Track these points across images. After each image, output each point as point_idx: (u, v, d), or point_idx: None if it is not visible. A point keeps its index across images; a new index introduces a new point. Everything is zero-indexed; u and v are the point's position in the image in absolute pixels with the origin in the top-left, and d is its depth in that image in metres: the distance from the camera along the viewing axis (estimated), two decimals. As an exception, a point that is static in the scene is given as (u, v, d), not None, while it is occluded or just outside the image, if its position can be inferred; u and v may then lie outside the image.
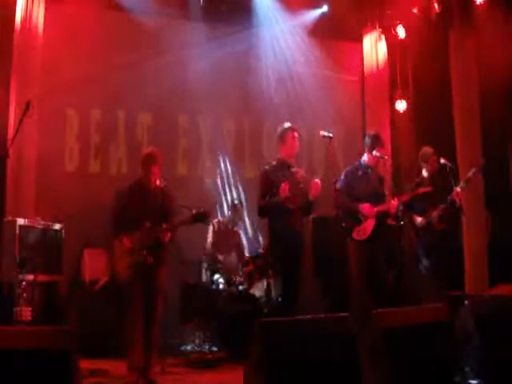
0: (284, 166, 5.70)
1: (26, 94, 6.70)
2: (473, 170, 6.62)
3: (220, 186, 8.27)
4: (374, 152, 6.14)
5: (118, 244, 5.24)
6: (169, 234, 5.23)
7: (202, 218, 5.21)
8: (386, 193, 6.39)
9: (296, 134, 5.73)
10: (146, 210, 5.26)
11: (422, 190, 6.33)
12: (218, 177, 8.31)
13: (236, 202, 7.46)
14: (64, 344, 2.77)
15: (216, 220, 7.41)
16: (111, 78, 7.58)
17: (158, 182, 5.41)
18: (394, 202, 5.93)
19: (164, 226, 5.21)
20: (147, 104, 8.00)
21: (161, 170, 5.43)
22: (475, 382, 3.97)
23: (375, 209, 5.92)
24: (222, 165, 8.35)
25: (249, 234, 7.97)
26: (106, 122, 7.86)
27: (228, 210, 7.56)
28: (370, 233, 5.93)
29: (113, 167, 7.86)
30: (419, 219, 6.49)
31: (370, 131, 7.54)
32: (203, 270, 7.12)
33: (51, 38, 7.36)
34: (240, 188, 8.22)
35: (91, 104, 7.79)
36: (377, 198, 6.07)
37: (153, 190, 5.38)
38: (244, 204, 7.66)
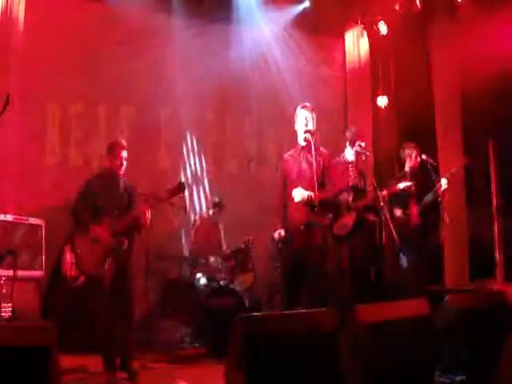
0: (299, 151, 5.43)
1: (6, 87, 6.62)
2: (457, 167, 6.70)
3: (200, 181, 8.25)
4: (356, 147, 6.17)
5: (82, 235, 5.16)
6: (148, 214, 5.14)
7: (178, 189, 5.12)
8: (367, 188, 6.42)
9: (303, 113, 5.41)
10: (113, 197, 5.26)
11: (402, 184, 6.36)
12: (200, 172, 8.29)
13: (217, 199, 7.39)
14: (44, 340, 2.75)
15: (201, 214, 7.39)
16: (92, 71, 7.52)
17: (122, 170, 5.39)
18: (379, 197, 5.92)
19: (140, 207, 5.15)
20: (129, 98, 7.95)
21: (125, 158, 5.43)
22: (456, 376, 4.00)
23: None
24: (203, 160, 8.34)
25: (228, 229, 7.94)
26: (87, 115, 7.80)
27: (209, 207, 7.50)
28: (351, 228, 5.94)
29: (94, 161, 7.79)
30: (399, 214, 6.53)
31: (351, 126, 7.58)
32: (184, 266, 7.10)
33: (32, 31, 7.28)
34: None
35: (72, 97, 7.72)
36: (357, 193, 6.10)
37: (117, 177, 5.38)
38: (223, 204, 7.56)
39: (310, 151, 5.23)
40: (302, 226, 5.17)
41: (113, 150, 5.42)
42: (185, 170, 8.24)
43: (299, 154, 5.38)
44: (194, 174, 8.25)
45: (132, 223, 5.18)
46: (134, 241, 5.37)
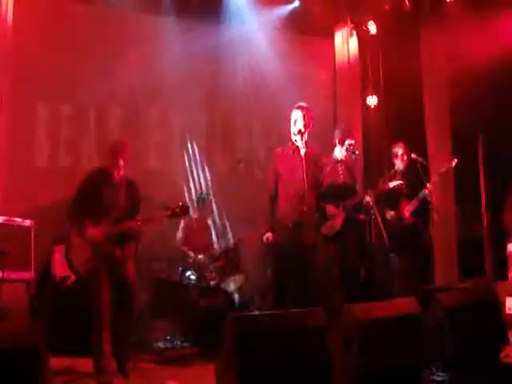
0: (292, 150, 5.44)
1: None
2: (445, 167, 6.73)
3: (189, 179, 8.24)
4: (346, 146, 6.18)
5: (76, 235, 5.10)
6: (142, 227, 5.20)
7: (181, 212, 5.18)
8: (357, 186, 6.43)
9: (295, 113, 5.46)
10: (111, 200, 5.17)
11: (393, 183, 6.37)
12: (188, 171, 8.28)
13: (204, 194, 7.39)
14: (33, 342, 2.74)
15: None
16: (82, 72, 7.49)
17: (122, 173, 5.28)
18: (369, 196, 5.93)
19: (138, 217, 5.16)
20: (118, 98, 7.93)
21: (128, 161, 5.34)
22: (444, 374, 4.02)
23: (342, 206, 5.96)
24: (192, 158, 8.34)
25: (218, 228, 7.94)
26: (76, 116, 7.77)
27: (196, 203, 7.48)
28: (339, 228, 5.94)
29: (84, 162, 7.76)
30: (390, 213, 6.55)
31: (340, 125, 7.60)
32: (174, 266, 7.08)
33: (21, 32, 7.24)
34: (208, 181, 8.19)
35: (61, 98, 7.69)
36: (347, 192, 6.10)
37: (118, 180, 5.27)
38: (208, 198, 7.55)
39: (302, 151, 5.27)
40: (289, 225, 5.19)
41: (109, 150, 5.34)
42: (175, 170, 8.24)
43: (292, 153, 5.40)
44: (184, 174, 8.24)
45: (127, 232, 5.16)
46: (132, 249, 5.34)
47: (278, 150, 5.55)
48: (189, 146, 8.35)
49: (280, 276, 5.30)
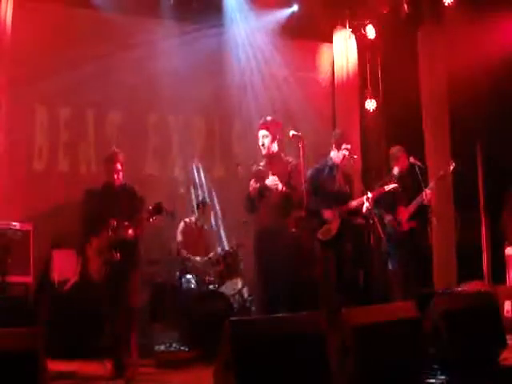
0: (267, 163, 5.72)
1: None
2: (443, 172, 6.74)
3: (188, 184, 8.24)
4: (343, 150, 6.16)
5: (88, 246, 5.33)
6: (131, 231, 5.25)
7: (159, 210, 5.21)
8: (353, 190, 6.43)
9: (260, 132, 5.69)
10: (113, 209, 5.33)
11: (389, 186, 6.35)
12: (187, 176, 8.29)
13: (204, 199, 7.41)
14: (31, 345, 2.74)
15: (185, 219, 7.35)
16: (81, 76, 7.49)
17: (120, 177, 5.46)
18: (368, 199, 5.93)
19: (125, 223, 5.25)
20: (117, 102, 7.92)
21: (123, 168, 5.50)
22: (443, 377, 4.02)
23: (338, 211, 6.00)
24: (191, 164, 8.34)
25: (216, 233, 7.93)
26: (75, 120, 7.77)
27: (196, 209, 7.49)
28: (336, 233, 5.94)
29: (82, 166, 7.76)
30: (388, 217, 6.54)
31: (337, 129, 7.62)
32: (172, 269, 7.07)
33: (20, 35, 7.24)
34: (205, 187, 8.18)
35: (60, 102, 7.69)
36: (342, 198, 6.09)
37: (118, 188, 5.46)
38: (209, 203, 7.59)
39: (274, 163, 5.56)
40: (269, 230, 5.42)
41: (107, 163, 5.51)
42: (173, 175, 8.23)
43: (267, 166, 5.60)
44: (182, 179, 8.23)
45: (125, 240, 5.26)
46: (134, 257, 5.46)
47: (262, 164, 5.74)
48: (187, 150, 8.35)
49: (270, 280, 5.41)
